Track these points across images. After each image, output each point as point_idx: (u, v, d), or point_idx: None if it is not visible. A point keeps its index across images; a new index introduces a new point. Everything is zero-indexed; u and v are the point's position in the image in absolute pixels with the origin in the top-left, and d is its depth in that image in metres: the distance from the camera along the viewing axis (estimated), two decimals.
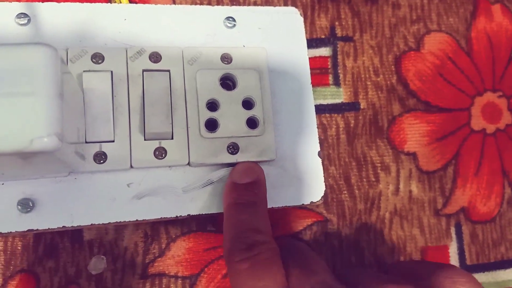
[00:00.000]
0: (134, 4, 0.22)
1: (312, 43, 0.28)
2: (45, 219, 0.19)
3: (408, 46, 0.29)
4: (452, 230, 0.28)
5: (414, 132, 0.28)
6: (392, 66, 0.29)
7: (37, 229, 0.19)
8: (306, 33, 0.27)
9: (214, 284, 0.24)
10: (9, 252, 0.22)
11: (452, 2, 0.31)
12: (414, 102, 0.29)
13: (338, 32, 0.28)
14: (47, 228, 0.20)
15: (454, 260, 0.28)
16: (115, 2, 0.23)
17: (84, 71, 0.20)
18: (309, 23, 0.28)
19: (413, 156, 0.28)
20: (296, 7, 0.27)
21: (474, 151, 0.29)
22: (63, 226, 0.20)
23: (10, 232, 0.19)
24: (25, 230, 0.19)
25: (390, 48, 0.29)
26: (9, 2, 0.21)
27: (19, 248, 0.22)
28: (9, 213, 0.19)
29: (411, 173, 0.28)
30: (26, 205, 0.19)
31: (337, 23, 0.28)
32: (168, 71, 0.21)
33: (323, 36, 0.28)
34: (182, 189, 0.21)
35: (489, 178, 0.29)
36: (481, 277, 0.28)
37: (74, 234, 0.23)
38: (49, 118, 0.14)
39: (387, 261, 0.27)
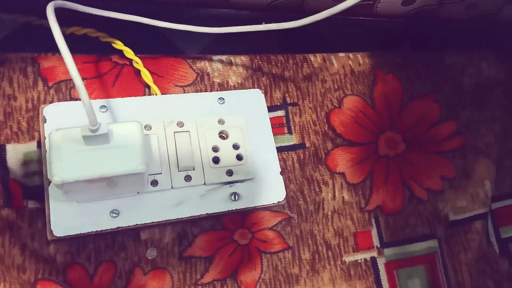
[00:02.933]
0: (165, 95, 0.38)
1: (272, 108, 0.44)
2: (126, 221, 0.34)
3: (334, 105, 0.46)
4: (372, 221, 0.43)
5: (342, 159, 0.44)
6: (324, 119, 0.45)
7: (122, 227, 0.34)
8: (267, 102, 0.44)
9: (223, 261, 0.38)
10: (96, 247, 0.36)
11: (359, 75, 0.48)
12: (340, 141, 0.45)
13: (288, 100, 0.45)
14: (127, 226, 0.34)
15: (375, 239, 0.43)
16: (154, 94, 0.39)
17: None
18: (269, 96, 0.44)
19: (342, 174, 0.44)
20: (260, 86, 0.44)
21: (382, 168, 0.45)
22: (136, 224, 0.34)
23: (107, 229, 0.34)
24: (115, 227, 0.34)
25: (322, 108, 0.46)
26: (94, 99, 0.37)
27: (103, 245, 0.36)
28: (106, 218, 0.34)
29: (342, 186, 0.43)
30: (115, 213, 0.34)
31: (286, 95, 0.45)
32: (188, 131, 0.37)
33: (278, 104, 0.44)
34: (200, 196, 0.36)
35: (394, 186, 0.45)
36: (394, 250, 0.43)
37: (135, 235, 0.37)
38: (142, 157, 0.30)
39: (332, 242, 0.42)
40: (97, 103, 0.37)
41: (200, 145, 0.37)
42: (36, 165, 0.37)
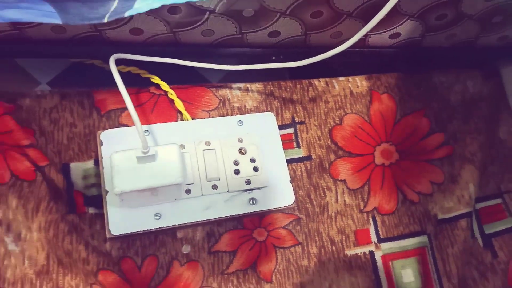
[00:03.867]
0: (195, 120, 0.47)
1: (283, 126, 0.52)
2: (167, 222, 0.43)
3: (335, 122, 0.54)
4: (370, 220, 0.51)
5: (343, 168, 0.52)
6: (328, 135, 0.53)
7: (163, 227, 0.43)
8: (278, 122, 0.52)
9: (244, 255, 0.47)
10: (142, 244, 0.45)
11: (358, 96, 0.56)
12: (342, 153, 0.53)
13: (296, 119, 0.53)
14: (167, 226, 0.43)
15: (373, 236, 0.51)
16: (186, 119, 0.48)
17: None
18: (280, 116, 0.53)
19: (344, 181, 0.52)
20: (272, 108, 0.52)
21: (378, 176, 0.53)
22: (174, 225, 0.43)
23: (152, 229, 0.43)
24: (158, 227, 0.43)
25: (325, 125, 0.54)
26: (141, 125, 0.46)
27: (147, 242, 0.45)
28: (151, 220, 0.43)
29: (343, 191, 0.51)
30: (158, 216, 0.43)
31: (295, 114, 0.53)
32: (214, 149, 0.46)
33: (288, 123, 0.53)
34: (224, 201, 0.44)
35: (389, 190, 0.53)
36: (390, 244, 0.51)
37: (173, 234, 0.46)
38: (181, 171, 0.38)
39: (336, 239, 0.50)
40: (142, 127, 0.46)
41: (224, 160, 0.46)
42: (94, 179, 0.46)
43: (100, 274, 0.42)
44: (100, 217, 0.45)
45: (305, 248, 0.49)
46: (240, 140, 0.47)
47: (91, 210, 0.45)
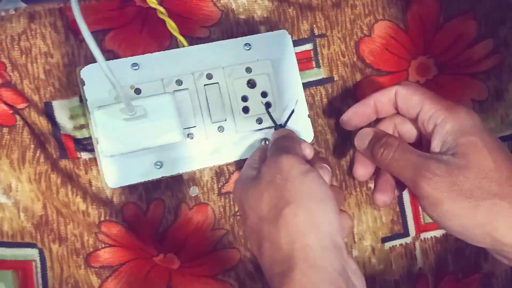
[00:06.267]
0: (192, 46, 0.39)
1: (299, 42, 0.44)
2: (169, 171, 0.38)
3: (363, 33, 0.45)
4: None
5: (370, 91, 0.45)
6: (354, 49, 0.45)
7: (166, 176, 0.38)
8: (294, 36, 0.43)
9: None
10: (145, 188, 0.41)
11: None
12: (370, 71, 0.45)
13: (316, 31, 0.44)
14: (170, 175, 0.38)
15: None
16: (182, 46, 0.40)
17: (174, 91, 0.38)
18: (296, 29, 0.44)
19: None
20: (286, 19, 0.43)
21: None
22: (178, 173, 0.38)
23: (153, 179, 0.38)
24: (160, 177, 0.38)
25: (351, 37, 0.45)
26: (127, 58, 0.38)
27: (151, 185, 0.41)
28: (151, 169, 0.38)
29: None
30: (158, 164, 0.38)
31: (314, 25, 0.44)
32: (218, 83, 0.39)
33: (306, 36, 0.44)
34: (232, 144, 0.39)
35: None
36: None
37: (178, 176, 0.41)
38: (178, 127, 0.32)
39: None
40: (128, 61, 0.38)
41: (230, 96, 0.39)
42: (83, 119, 0.40)
43: (103, 226, 0.40)
44: (96, 162, 0.40)
45: None
46: (248, 70, 0.39)
47: (85, 155, 0.40)
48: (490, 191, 0.29)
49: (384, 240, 0.45)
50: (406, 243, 0.45)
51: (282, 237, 0.28)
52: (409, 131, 0.36)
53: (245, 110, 0.39)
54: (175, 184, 0.42)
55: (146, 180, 0.38)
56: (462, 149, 0.30)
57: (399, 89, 0.34)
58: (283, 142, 0.34)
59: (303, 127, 0.40)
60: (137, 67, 0.38)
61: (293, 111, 0.38)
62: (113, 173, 0.37)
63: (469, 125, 0.31)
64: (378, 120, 0.39)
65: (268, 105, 0.39)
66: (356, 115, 0.37)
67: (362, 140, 0.35)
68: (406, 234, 0.45)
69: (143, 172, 0.38)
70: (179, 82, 0.38)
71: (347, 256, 0.29)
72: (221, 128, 0.39)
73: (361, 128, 0.37)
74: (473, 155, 0.30)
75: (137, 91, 0.37)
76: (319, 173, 0.30)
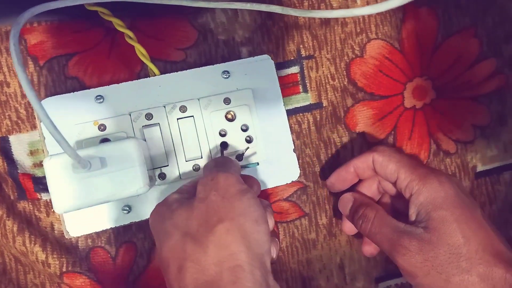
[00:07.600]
0: (164, 75, 0.35)
1: (285, 64, 0.40)
2: (139, 215, 0.34)
3: (355, 54, 0.41)
4: None
5: (362, 116, 0.41)
6: (344, 71, 0.41)
7: (135, 222, 0.34)
8: (279, 58, 0.39)
9: None
10: (114, 230, 0.37)
11: (386, 13, 0.41)
12: (362, 95, 0.41)
13: (303, 52, 0.40)
14: (140, 220, 0.34)
15: None
16: (153, 75, 0.36)
17: (143, 126, 0.34)
18: (282, 50, 0.40)
19: (362, 134, 0.41)
20: (269, 39, 0.39)
21: (407, 123, 0.42)
22: (148, 218, 0.34)
23: (121, 225, 0.34)
24: (128, 223, 0.34)
25: (341, 58, 0.41)
26: (89, 89, 0.34)
27: (121, 228, 0.37)
28: (118, 215, 0.34)
29: (362, 147, 0.41)
30: (126, 209, 0.34)
31: (301, 46, 0.40)
32: (192, 116, 0.34)
33: (292, 58, 0.40)
34: None
35: (419, 140, 0.42)
36: None
37: None
38: (143, 177, 0.28)
39: None
40: (92, 93, 0.34)
41: (206, 131, 0.35)
42: (43, 155, 0.36)
43: (65, 277, 0.36)
44: None
45: (313, 219, 0.40)
46: (227, 101, 0.35)
47: (46, 196, 0.36)
48: (459, 267, 0.30)
49: (378, 280, 0.42)
50: (401, 283, 0.42)
51: (209, 256, 0.26)
52: (392, 188, 0.37)
53: (224, 146, 0.35)
54: (148, 226, 0.38)
55: (113, 227, 0.34)
56: (433, 224, 0.31)
57: (376, 156, 0.35)
58: (221, 162, 0.32)
59: (287, 163, 0.36)
60: (101, 100, 0.34)
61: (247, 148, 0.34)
62: (75, 220, 0.33)
63: (440, 197, 0.32)
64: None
65: (248, 140, 0.35)
66: (338, 180, 0.38)
67: (343, 207, 0.37)
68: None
69: (109, 218, 0.34)
70: (149, 116, 0.34)
71: (273, 282, 0.28)
72: (196, 167, 0.34)
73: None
74: (443, 230, 0.30)
75: (101, 127, 0.33)
76: (255, 194, 0.30)
